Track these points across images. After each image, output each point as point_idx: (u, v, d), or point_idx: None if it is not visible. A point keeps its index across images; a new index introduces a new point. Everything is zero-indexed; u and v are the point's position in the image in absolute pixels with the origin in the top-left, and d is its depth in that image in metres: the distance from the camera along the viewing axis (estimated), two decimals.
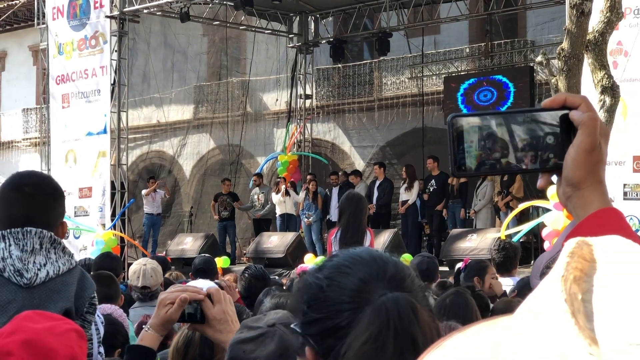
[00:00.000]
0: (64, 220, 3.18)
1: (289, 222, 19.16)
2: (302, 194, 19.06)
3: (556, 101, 1.36)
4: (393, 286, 1.55)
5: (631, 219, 11.95)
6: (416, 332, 1.48)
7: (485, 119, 1.38)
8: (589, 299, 0.69)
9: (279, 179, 19.66)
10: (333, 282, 1.57)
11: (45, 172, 19.95)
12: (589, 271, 0.71)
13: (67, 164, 19.40)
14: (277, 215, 19.39)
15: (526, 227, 12.41)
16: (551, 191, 8.85)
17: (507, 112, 1.38)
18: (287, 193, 19.00)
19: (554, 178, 1.42)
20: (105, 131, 18.75)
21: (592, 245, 0.73)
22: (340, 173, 19.84)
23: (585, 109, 1.34)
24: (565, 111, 1.35)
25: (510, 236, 12.05)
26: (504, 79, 18.77)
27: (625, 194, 12.55)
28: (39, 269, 2.95)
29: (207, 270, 8.30)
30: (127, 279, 7.25)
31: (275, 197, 19.26)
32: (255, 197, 20.17)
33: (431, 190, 17.60)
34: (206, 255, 10.66)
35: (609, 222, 1.33)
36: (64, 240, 3.12)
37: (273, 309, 3.95)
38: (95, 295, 3.19)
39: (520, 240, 12.64)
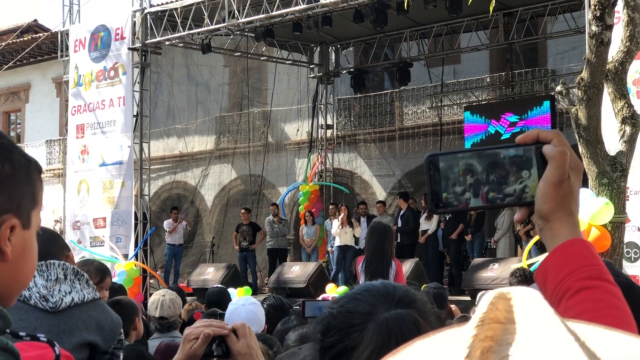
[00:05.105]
0: (70, 253, 3.25)
1: (347, 253, 18.19)
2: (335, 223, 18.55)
3: (529, 136, 1.40)
4: (401, 306, 1.58)
5: None
6: None
7: (462, 157, 1.41)
8: None
9: (340, 207, 18.91)
10: (344, 309, 1.60)
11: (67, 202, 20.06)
12: (500, 337, 0.65)
13: (80, 195, 19.41)
14: (335, 246, 18.53)
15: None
16: None
17: (484, 149, 1.41)
18: (349, 223, 18.35)
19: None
20: (121, 162, 18.85)
21: (510, 299, 0.67)
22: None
23: (557, 143, 1.38)
24: (539, 146, 1.39)
25: (530, 265, 11.97)
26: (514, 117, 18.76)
27: None
28: (64, 295, 3.01)
29: (220, 302, 8.13)
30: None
31: (335, 227, 18.56)
32: (269, 227, 20.09)
33: (447, 219, 17.57)
34: (219, 285, 10.63)
35: (574, 253, 1.37)
36: None
37: (299, 341, 3.95)
38: (122, 331, 3.25)
39: None
